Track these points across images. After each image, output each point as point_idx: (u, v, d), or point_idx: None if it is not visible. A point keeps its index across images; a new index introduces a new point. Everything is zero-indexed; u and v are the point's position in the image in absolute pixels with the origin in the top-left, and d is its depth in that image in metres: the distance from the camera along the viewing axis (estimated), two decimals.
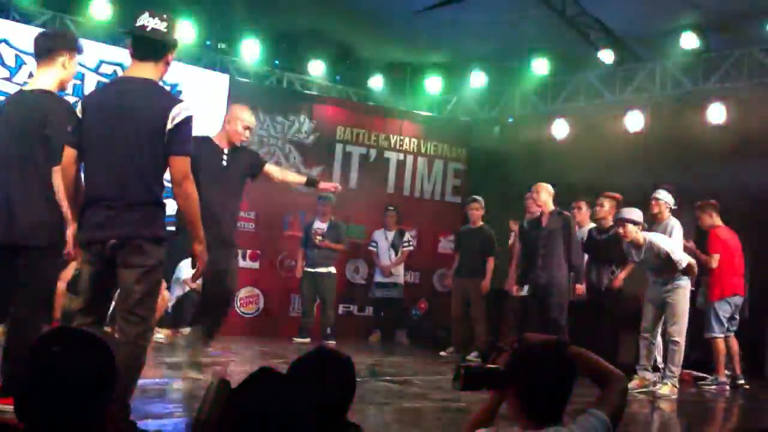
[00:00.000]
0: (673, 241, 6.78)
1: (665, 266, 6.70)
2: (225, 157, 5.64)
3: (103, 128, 3.45)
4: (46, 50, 3.86)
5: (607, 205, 7.72)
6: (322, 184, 6.47)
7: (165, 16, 3.54)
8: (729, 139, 8.14)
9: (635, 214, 6.73)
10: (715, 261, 7.34)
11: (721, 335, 7.31)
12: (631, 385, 6.49)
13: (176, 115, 3.41)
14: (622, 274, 7.53)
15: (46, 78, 3.85)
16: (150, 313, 3.50)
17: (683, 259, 6.68)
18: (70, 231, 3.62)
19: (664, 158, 8.64)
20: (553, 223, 7.53)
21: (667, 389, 6.61)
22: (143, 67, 3.53)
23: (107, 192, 3.43)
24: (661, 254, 6.62)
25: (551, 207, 7.63)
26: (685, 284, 6.75)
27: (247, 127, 5.78)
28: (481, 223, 8.93)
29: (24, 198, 3.76)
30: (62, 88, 3.92)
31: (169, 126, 3.39)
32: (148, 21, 3.50)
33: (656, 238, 6.72)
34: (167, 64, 3.59)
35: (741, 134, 8.07)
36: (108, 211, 3.42)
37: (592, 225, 8.02)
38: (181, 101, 3.53)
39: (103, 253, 3.44)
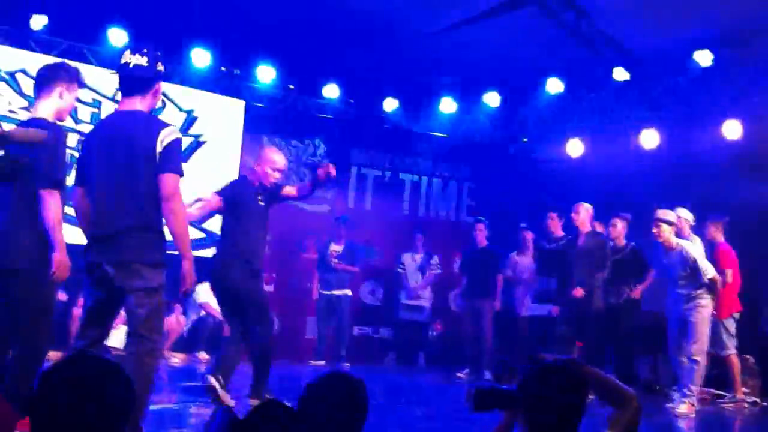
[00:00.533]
0: (699, 251, 6.81)
1: (689, 277, 6.69)
2: (260, 197, 5.68)
3: (101, 158, 3.63)
4: (45, 81, 3.96)
5: (619, 225, 7.76)
6: (319, 171, 5.68)
7: (145, 50, 3.70)
8: (743, 155, 8.07)
9: (670, 215, 6.80)
10: (729, 276, 7.28)
11: (735, 351, 7.23)
12: (682, 410, 6.50)
13: (165, 137, 3.58)
14: (641, 287, 7.58)
15: (43, 108, 3.94)
16: (154, 333, 3.60)
17: (709, 270, 6.68)
18: (57, 255, 3.65)
19: (679, 175, 8.58)
20: (590, 243, 7.62)
21: (684, 408, 6.54)
22: (132, 102, 3.73)
23: (107, 218, 3.59)
24: (689, 261, 6.64)
25: (588, 227, 7.76)
26: (707, 303, 6.71)
27: (278, 170, 5.75)
28: (486, 243, 8.91)
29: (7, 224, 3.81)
30: (59, 117, 3.99)
31: (159, 149, 3.55)
32: (129, 58, 3.69)
33: (688, 243, 6.76)
34: (155, 94, 3.77)
35: (755, 151, 8.01)
36: (107, 236, 3.57)
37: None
38: (169, 125, 3.70)
39: (104, 277, 3.56)
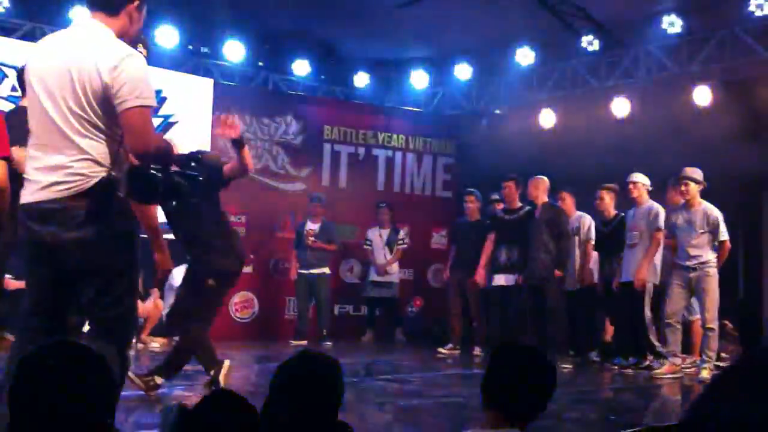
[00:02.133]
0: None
1: (703, 238, 6.79)
2: None
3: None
4: None
5: (606, 198, 7.83)
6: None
7: None
8: (714, 121, 8.13)
9: (697, 173, 6.89)
10: None
11: (699, 317, 7.26)
12: (662, 370, 6.77)
13: None
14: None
15: None
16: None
17: (725, 232, 6.79)
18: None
19: (652, 143, 8.64)
20: (546, 215, 7.69)
21: (706, 373, 6.69)
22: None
23: None
24: (711, 218, 6.76)
25: (544, 199, 7.80)
26: (714, 271, 6.81)
27: None
28: (478, 216, 8.87)
29: None
30: None
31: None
32: None
33: (710, 204, 6.85)
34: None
35: (727, 116, 8.07)
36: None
37: (578, 214, 8.10)
38: None
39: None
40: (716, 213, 6.83)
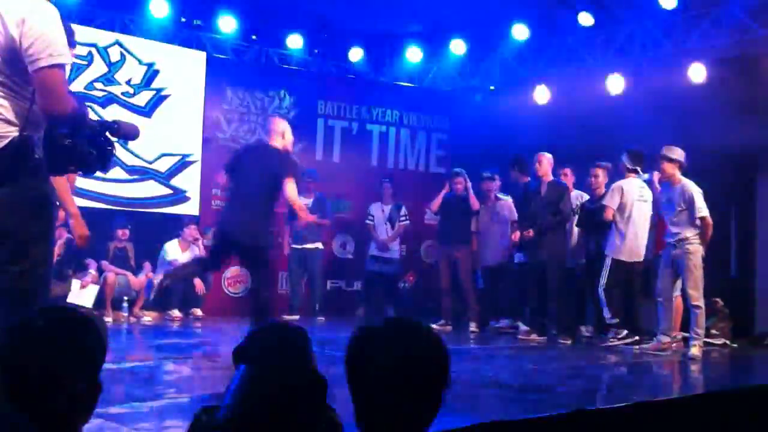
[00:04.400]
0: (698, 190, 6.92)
1: (681, 215, 6.82)
2: None
3: None
4: None
5: (601, 175, 7.87)
6: None
7: None
8: (709, 99, 8.12)
9: (673, 151, 6.91)
10: None
11: (680, 293, 7.21)
12: (694, 352, 6.70)
13: None
14: None
15: None
16: None
17: (703, 208, 6.78)
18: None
19: (646, 121, 8.62)
20: (551, 192, 7.82)
21: (696, 350, 6.72)
22: None
23: None
24: (686, 195, 6.79)
25: (550, 176, 7.93)
26: (696, 248, 6.80)
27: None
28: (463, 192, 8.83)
29: None
30: None
31: None
32: None
33: (690, 182, 6.87)
34: None
35: (720, 93, 8.06)
36: None
37: (576, 192, 8.13)
38: None
39: None
40: (693, 190, 6.81)
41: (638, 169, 7.52)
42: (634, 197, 7.42)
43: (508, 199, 8.76)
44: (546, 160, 7.98)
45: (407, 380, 1.71)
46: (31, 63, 2.60)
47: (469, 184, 8.72)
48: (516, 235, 7.94)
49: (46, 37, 2.59)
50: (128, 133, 3.08)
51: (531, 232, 7.78)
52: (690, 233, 6.79)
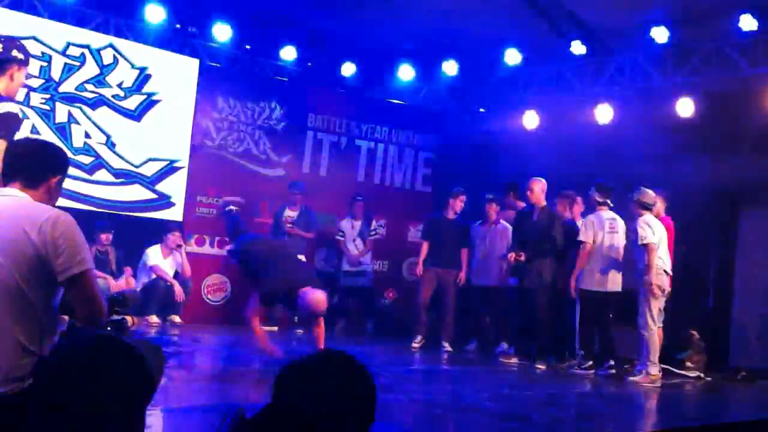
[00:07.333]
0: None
1: (639, 248, 7.03)
2: None
3: None
4: None
5: (559, 205, 8.14)
6: None
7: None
8: (696, 132, 8.21)
9: (645, 196, 7.15)
10: None
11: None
12: (637, 379, 6.94)
13: None
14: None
15: None
16: None
17: (645, 236, 6.99)
18: None
19: (634, 150, 8.71)
20: (543, 218, 7.90)
21: (639, 377, 6.95)
22: None
23: None
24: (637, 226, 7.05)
25: (543, 202, 7.99)
26: (647, 279, 6.95)
27: None
28: (456, 215, 8.87)
29: None
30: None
31: None
32: None
33: (648, 217, 7.11)
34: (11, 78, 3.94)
35: (708, 128, 8.16)
36: None
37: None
38: None
39: None
40: (640, 219, 7.11)
41: (607, 201, 7.62)
42: (605, 230, 7.52)
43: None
44: (538, 186, 8.00)
45: (333, 417, 1.66)
46: (62, 272, 2.53)
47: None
48: (511, 257, 7.95)
49: (74, 244, 2.56)
50: (135, 301, 3.08)
51: (522, 257, 7.82)
52: (642, 264, 7.03)
